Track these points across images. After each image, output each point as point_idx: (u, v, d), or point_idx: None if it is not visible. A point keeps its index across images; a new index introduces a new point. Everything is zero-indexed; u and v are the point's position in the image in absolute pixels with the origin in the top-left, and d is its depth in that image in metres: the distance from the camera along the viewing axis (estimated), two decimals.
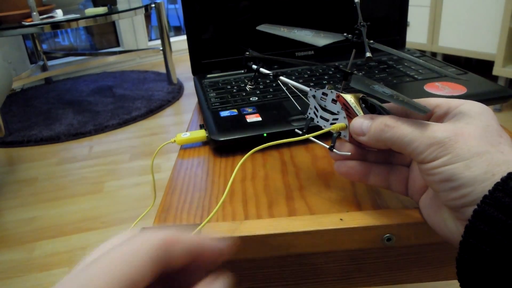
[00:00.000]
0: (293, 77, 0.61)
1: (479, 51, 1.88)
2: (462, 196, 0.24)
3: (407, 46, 0.71)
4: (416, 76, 0.57)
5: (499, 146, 0.25)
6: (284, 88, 0.46)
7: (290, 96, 0.41)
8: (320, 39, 0.33)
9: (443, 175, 0.25)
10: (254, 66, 0.41)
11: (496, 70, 1.72)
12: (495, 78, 1.76)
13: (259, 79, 0.60)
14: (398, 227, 0.32)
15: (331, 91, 0.33)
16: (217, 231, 0.32)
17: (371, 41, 0.31)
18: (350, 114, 0.31)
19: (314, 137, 0.33)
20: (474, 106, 0.28)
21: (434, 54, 2.12)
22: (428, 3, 2.02)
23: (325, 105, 0.34)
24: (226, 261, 0.33)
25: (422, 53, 0.68)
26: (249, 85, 0.41)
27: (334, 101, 0.32)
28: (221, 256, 0.24)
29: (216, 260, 0.24)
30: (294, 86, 0.38)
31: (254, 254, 0.32)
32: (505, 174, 0.23)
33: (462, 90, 0.51)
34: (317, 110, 0.35)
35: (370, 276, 0.35)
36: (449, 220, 0.27)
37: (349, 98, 0.31)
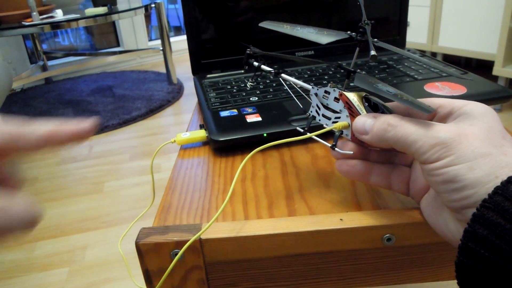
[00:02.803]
0: (293, 77, 0.61)
1: (479, 51, 1.88)
2: (464, 197, 0.24)
3: (407, 46, 0.71)
4: (416, 76, 0.57)
5: (502, 148, 0.24)
6: (286, 86, 0.46)
7: (291, 93, 0.41)
8: (323, 37, 0.33)
9: (446, 176, 0.24)
10: (256, 63, 0.40)
11: (496, 70, 1.72)
12: (495, 78, 1.76)
13: (259, 78, 0.60)
14: (398, 227, 0.31)
15: (334, 89, 0.32)
16: (217, 231, 0.32)
17: (375, 39, 0.31)
18: (353, 112, 0.31)
19: (315, 135, 0.32)
20: (477, 107, 0.27)
21: (434, 54, 2.12)
22: (428, 3, 2.02)
23: (327, 104, 0.33)
24: (226, 261, 0.33)
25: (422, 53, 0.69)
26: (250, 82, 0.41)
27: (336, 99, 0.32)
28: (47, 142, 0.25)
29: (32, 149, 0.25)
30: (296, 84, 0.37)
31: (254, 254, 0.32)
32: (507, 177, 0.22)
33: (462, 90, 0.50)
34: (319, 109, 0.34)
35: (370, 276, 0.35)
36: (450, 221, 0.27)
37: (352, 96, 0.31)
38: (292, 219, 0.33)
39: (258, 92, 0.55)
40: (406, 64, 0.62)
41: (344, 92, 0.31)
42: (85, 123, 0.25)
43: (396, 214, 0.32)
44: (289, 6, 0.65)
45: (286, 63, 0.66)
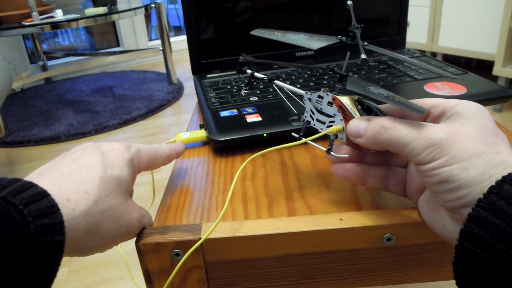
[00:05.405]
0: (293, 77, 0.61)
1: (479, 51, 1.88)
2: (459, 197, 0.24)
3: (407, 46, 0.71)
4: (416, 76, 0.57)
5: (495, 146, 0.25)
6: (279, 92, 0.47)
7: (285, 100, 0.41)
8: (314, 42, 0.34)
9: (440, 177, 0.24)
10: (249, 71, 0.41)
11: (496, 70, 1.72)
12: (495, 78, 1.76)
13: (257, 81, 0.60)
14: (398, 227, 0.32)
15: (327, 94, 0.33)
16: (217, 231, 0.32)
17: (365, 42, 0.31)
18: (347, 116, 0.31)
19: (311, 140, 0.33)
20: (470, 106, 0.28)
21: (434, 54, 2.12)
22: (428, 3, 2.02)
23: (321, 108, 0.34)
24: (226, 261, 0.33)
25: (422, 53, 0.69)
26: (244, 90, 0.42)
27: (330, 103, 0.32)
28: (169, 160, 0.38)
29: (165, 163, 0.37)
30: (289, 90, 0.38)
31: (254, 254, 0.32)
32: (501, 175, 0.23)
33: (462, 90, 0.51)
34: (313, 113, 0.35)
35: (370, 276, 0.35)
36: (447, 220, 0.27)
37: (345, 100, 0.31)
38: (292, 219, 0.33)
39: (258, 92, 0.55)
40: (406, 64, 0.62)
41: (337, 96, 0.32)
42: (182, 147, 0.39)
43: (396, 214, 0.32)
44: (288, 6, 0.65)
45: (286, 63, 0.66)
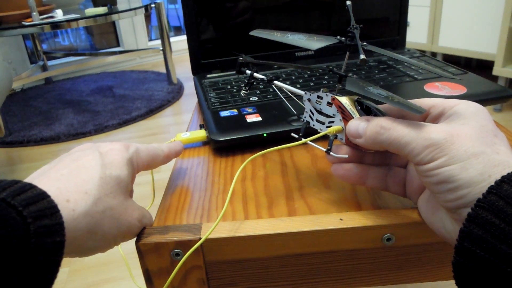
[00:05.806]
0: (293, 77, 0.61)
1: (479, 51, 1.88)
2: (459, 197, 0.24)
3: (407, 46, 0.71)
4: (416, 76, 0.57)
5: (494, 146, 0.25)
6: (279, 92, 0.47)
7: (285, 100, 0.41)
8: (313, 43, 0.34)
9: (440, 177, 0.25)
10: (248, 72, 0.41)
11: (496, 70, 1.72)
12: (495, 78, 1.76)
13: (257, 81, 0.60)
14: (398, 227, 0.32)
15: (326, 94, 0.33)
16: (217, 231, 0.32)
17: (364, 43, 0.31)
18: (346, 116, 0.31)
19: (310, 141, 0.33)
20: (469, 106, 0.28)
21: (434, 54, 2.12)
22: (428, 3, 2.02)
23: (320, 108, 0.34)
24: (226, 261, 0.33)
25: (422, 53, 0.69)
26: (244, 90, 0.42)
27: (329, 104, 0.33)
28: (168, 159, 0.38)
29: (164, 162, 0.37)
30: (289, 90, 0.38)
31: (254, 254, 0.32)
32: (500, 175, 0.23)
33: (462, 90, 0.51)
34: (313, 114, 0.35)
35: (370, 276, 0.35)
36: (446, 220, 0.27)
37: (344, 100, 0.31)
38: (292, 219, 0.33)
39: (258, 92, 0.55)
40: (406, 64, 0.62)
41: (336, 97, 0.32)
42: (181, 146, 0.40)
43: (396, 214, 0.32)
44: (288, 6, 0.65)
45: (285, 64, 0.66)
